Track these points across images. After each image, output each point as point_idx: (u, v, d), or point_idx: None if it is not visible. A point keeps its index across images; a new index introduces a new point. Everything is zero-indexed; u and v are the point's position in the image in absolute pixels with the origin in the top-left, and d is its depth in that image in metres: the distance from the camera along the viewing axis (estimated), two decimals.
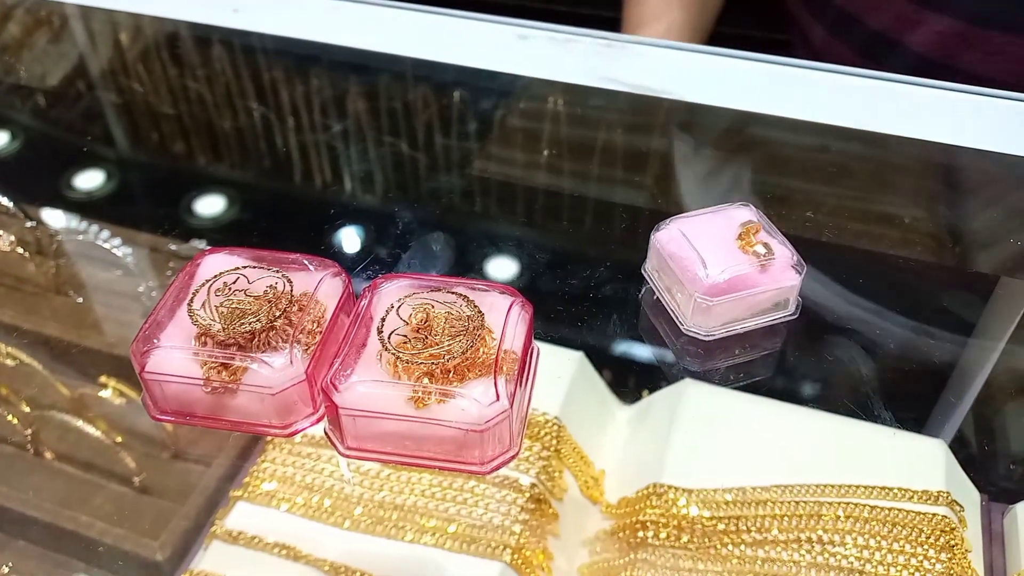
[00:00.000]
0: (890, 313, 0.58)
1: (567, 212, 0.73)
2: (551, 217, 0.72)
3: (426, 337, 0.27)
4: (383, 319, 0.28)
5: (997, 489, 0.51)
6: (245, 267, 0.29)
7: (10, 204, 0.64)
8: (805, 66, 0.78)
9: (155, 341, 0.28)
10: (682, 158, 0.76)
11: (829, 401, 0.53)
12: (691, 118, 0.78)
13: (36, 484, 0.56)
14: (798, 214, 0.68)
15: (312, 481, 0.50)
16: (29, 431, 0.57)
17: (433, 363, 0.27)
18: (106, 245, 0.61)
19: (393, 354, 0.27)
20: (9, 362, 0.59)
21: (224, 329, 0.28)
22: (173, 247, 0.64)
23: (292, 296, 0.29)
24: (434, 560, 0.46)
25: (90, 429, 0.53)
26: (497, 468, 0.27)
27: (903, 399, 0.54)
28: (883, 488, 0.48)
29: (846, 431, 0.51)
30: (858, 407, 0.52)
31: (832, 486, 0.48)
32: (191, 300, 0.29)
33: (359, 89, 0.85)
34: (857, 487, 0.48)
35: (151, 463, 0.57)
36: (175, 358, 0.28)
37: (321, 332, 0.29)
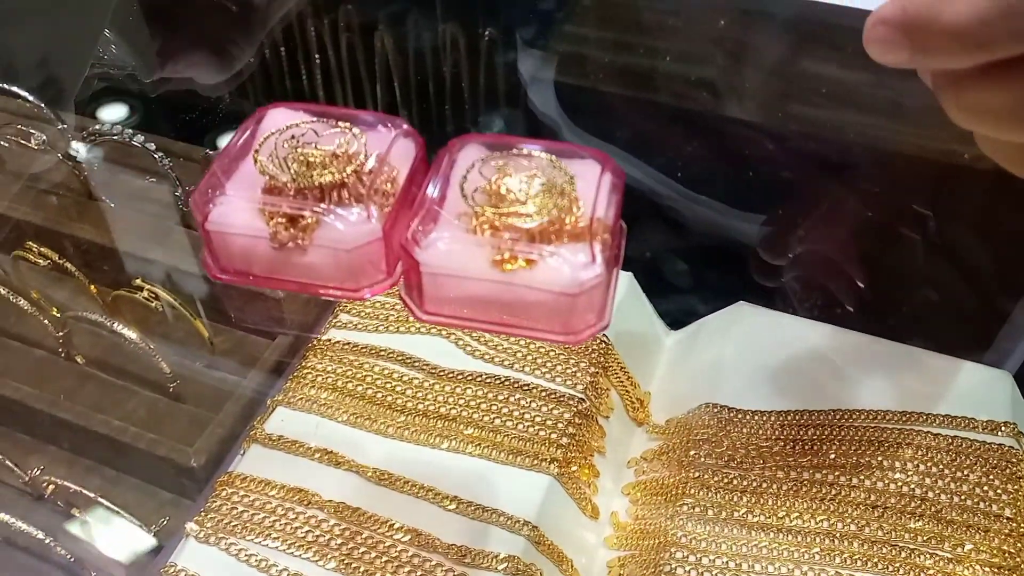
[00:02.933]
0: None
1: None
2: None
3: (512, 197, 0.25)
4: (465, 177, 0.26)
5: None
6: (314, 121, 0.27)
7: (42, 104, 0.62)
8: None
9: (219, 191, 0.26)
10: None
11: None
12: None
13: (67, 388, 0.55)
14: None
15: (355, 388, 0.48)
16: (61, 334, 0.55)
17: (522, 222, 0.25)
18: (141, 146, 0.59)
19: (478, 212, 0.25)
20: (41, 262, 0.57)
21: (294, 180, 0.26)
22: (210, 152, 0.62)
23: (366, 153, 0.27)
24: (480, 470, 0.45)
25: (124, 334, 0.52)
26: (585, 339, 0.25)
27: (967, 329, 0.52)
28: (946, 416, 0.46)
29: (907, 359, 0.49)
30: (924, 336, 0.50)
31: (892, 412, 0.47)
32: (257, 151, 0.27)
33: None
34: (919, 415, 0.46)
35: (186, 371, 0.56)
36: (241, 209, 0.26)
37: (395, 194, 0.27)
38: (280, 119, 0.28)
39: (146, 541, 0.48)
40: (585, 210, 0.25)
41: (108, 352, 0.56)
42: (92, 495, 0.48)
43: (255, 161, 0.26)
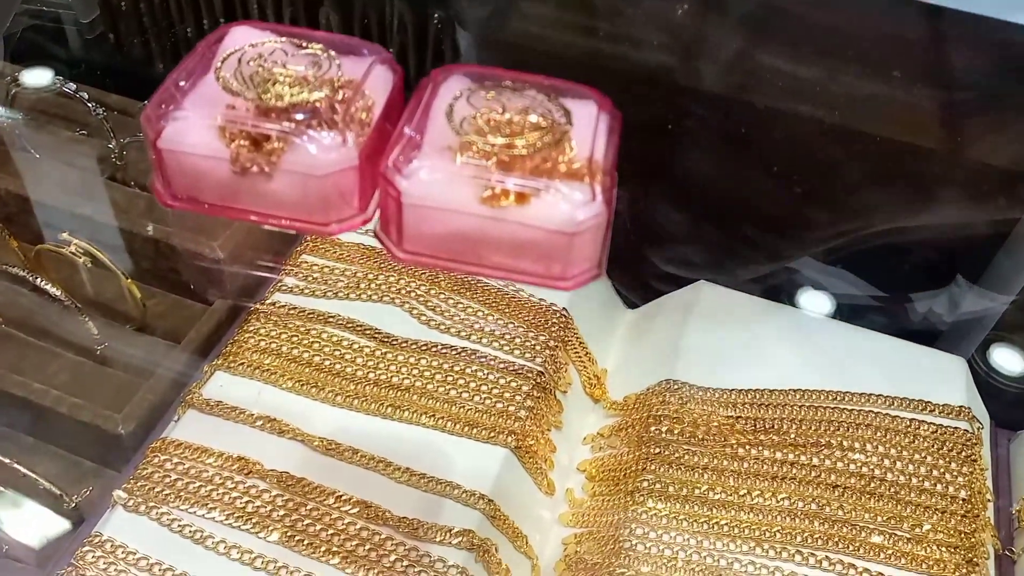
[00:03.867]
0: None
1: None
2: None
3: (505, 128, 0.23)
4: (451, 107, 0.24)
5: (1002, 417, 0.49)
6: (282, 40, 0.25)
7: None
8: None
9: (174, 106, 0.23)
10: None
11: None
12: None
13: None
14: None
15: (300, 354, 0.46)
16: None
17: (514, 153, 0.23)
18: (74, 94, 0.55)
19: (465, 144, 0.23)
20: None
21: (260, 99, 0.23)
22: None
23: (340, 77, 0.24)
24: (434, 442, 0.43)
25: (48, 290, 0.48)
26: (578, 285, 0.23)
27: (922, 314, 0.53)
28: (903, 399, 0.46)
29: (866, 342, 0.49)
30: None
31: (852, 394, 0.46)
32: (219, 68, 0.24)
33: None
34: (877, 396, 0.46)
35: (115, 334, 0.52)
36: (199, 127, 0.23)
37: (371, 123, 0.24)
38: (244, 38, 0.25)
39: (67, 513, 0.44)
40: (582, 149, 0.24)
41: (29, 312, 0.52)
42: (6, 461, 0.44)
43: (216, 77, 0.24)
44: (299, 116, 0.23)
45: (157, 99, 0.24)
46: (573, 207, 0.22)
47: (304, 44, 0.25)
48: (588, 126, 0.24)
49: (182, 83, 0.24)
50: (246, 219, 0.24)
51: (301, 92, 0.24)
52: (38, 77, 0.58)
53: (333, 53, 0.25)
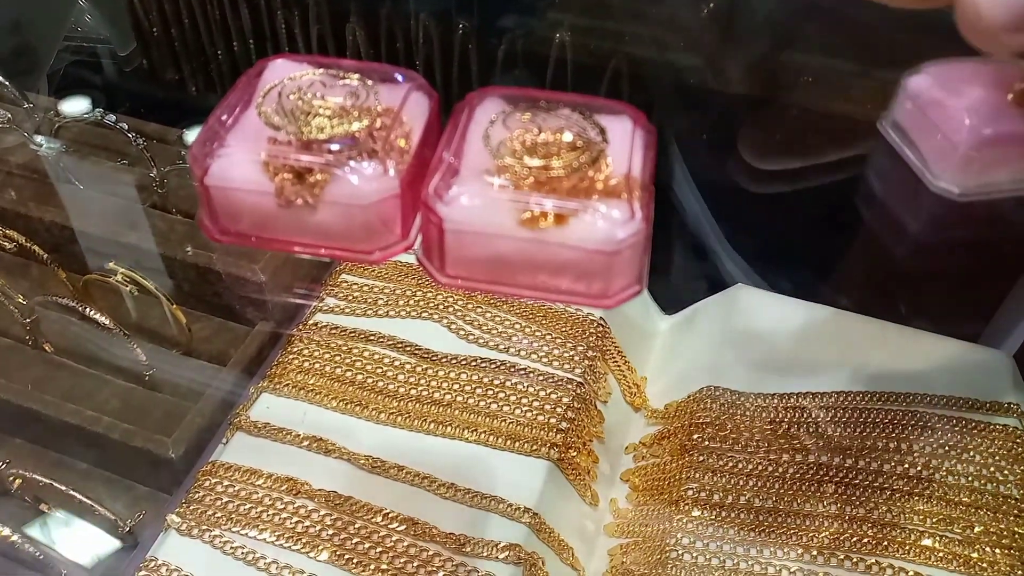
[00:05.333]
0: None
1: None
2: None
3: (541, 150, 0.23)
4: (487, 130, 0.24)
5: None
6: (319, 72, 0.26)
7: (7, 83, 0.59)
8: None
9: (219, 144, 0.24)
10: None
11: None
12: None
13: (35, 377, 0.52)
14: None
15: (343, 373, 0.46)
16: (28, 321, 0.52)
17: (551, 174, 0.23)
18: (114, 125, 0.56)
19: (503, 167, 0.23)
20: (7, 245, 0.54)
21: (302, 132, 0.24)
22: (189, 139, 0.60)
23: (378, 106, 0.25)
24: (477, 456, 0.43)
25: (97, 319, 0.49)
26: (622, 301, 0.23)
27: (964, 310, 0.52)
28: (949, 398, 0.46)
29: (907, 339, 0.48)
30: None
31: (896, 394, 0.46)
32: (260, 103, 0.25)
33: None
34: (923, 396, 0.46)
35: (162, 359, 0.53)
36: (243, 163, 0.24)
37: (409, 151, 0.25)
38: (282, 71, 0.26)
39: (121, 536, 0.45)
40: (618, 166, 0.24)
41: (78, 340, 0.54)
42: (63, 488, 0.45)
43: (258, 112, 0.24)
44: (340, 147, 0.24)
45: (202, 137, 0.24)
46: (612, 226, 0.23)
47: (342, 75, 0.26)
48: (624, 143, 0.25)
49: (225, 118, 0.25)
50: (291, 251, 0.24)
51: (341, 124, 0.24)
52: (76, 105, 0.60)
53: (370, 82, 0.26)
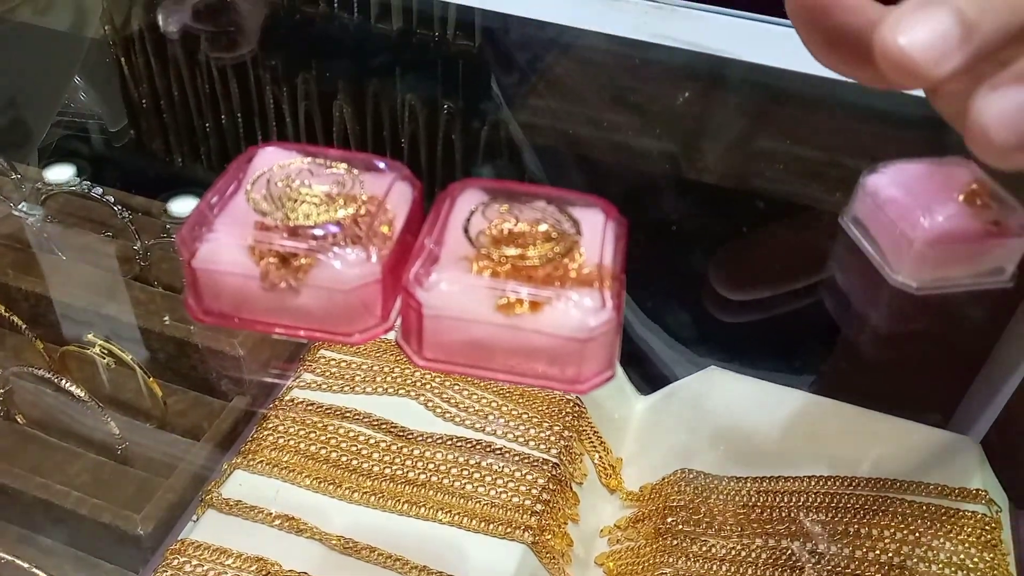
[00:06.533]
0: None
1: None
2: None
3: (517, 240, 0.24)
4: (467, 219, 0.25)
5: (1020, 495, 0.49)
6: (308, 160, 0.27)
7: None
8: None
9: (207, 228, 0.25)
10: None
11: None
12: None
13: (5, 449, 0.51)
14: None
15: (318, 451, 0.46)
16: (1, 392, 0.52)
17: (527, 263, 0.24)
18: (100, 198, 0.57)
19: (481, 255, 0.24)
20: None
21: (288, 218, 0.25)
22: (173, 209, 0.61)
23: (363, 194, 0.26)
24: (450, 539, 0.43)
25: (72, 391, 0.49)
26: (595, 387, 0.24)
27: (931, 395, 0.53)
28: (919, 484, 0.46)
29: (877, 425, 0.49)
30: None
31: (867, 479, 0.46)
32: (249, 190, 0.26)
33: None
34: (892, 481, 0.46)
35: (135, 432, 0.52)
36: (230, 247, 0.24)
37: (392, 237, 0.26)
38: (272, 158, 0.27)
39: None
40: (591, 256, 0.25)
41: (52, 412, 0.53)
42: (25, 566, 0.44)
43: (247, 198, 0.25)
44: (324, 233, 0.25)
45: (192, 221, 0.25)
46: (584, 314, 0.23)
47: (329, 163, 0.27)
48: (596, 234, 0.26)
49: (214, 202, 0.25)
50: (272, 332, 0.25)
51: (327, 211, 0.25)
52: (60, 173, 0.61)
53: (356, 171, 0.27)
